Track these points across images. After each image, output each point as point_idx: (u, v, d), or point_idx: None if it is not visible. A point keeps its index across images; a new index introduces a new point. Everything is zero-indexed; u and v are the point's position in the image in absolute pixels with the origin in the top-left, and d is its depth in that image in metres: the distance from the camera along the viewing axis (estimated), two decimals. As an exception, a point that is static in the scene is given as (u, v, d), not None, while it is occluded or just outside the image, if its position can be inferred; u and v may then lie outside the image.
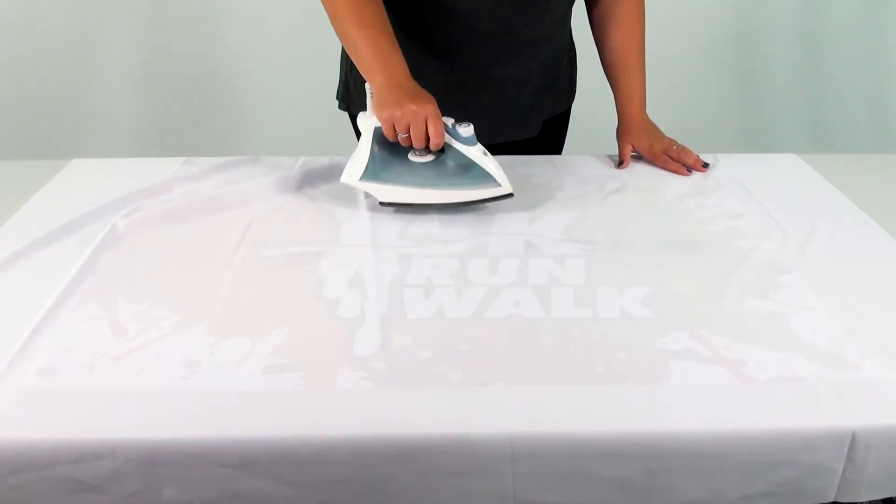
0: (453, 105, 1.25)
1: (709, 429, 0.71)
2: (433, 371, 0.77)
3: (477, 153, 1.04)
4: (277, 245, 1.00)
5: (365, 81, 1.27)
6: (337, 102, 1.37)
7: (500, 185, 1.05)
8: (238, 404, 0.73)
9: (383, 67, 1.03)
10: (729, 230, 1.05)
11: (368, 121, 1.06)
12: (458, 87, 1.24)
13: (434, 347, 0.80)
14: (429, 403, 0.73)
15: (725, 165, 1.26)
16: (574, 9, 1.32)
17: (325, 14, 1.13)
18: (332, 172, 1.21)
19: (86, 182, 1.18)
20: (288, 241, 1.01)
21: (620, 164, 1.26)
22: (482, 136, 1.29)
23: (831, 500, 0.74)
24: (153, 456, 0.69)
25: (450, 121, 1.04)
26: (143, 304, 0.87)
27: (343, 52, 1.34)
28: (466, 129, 1.04)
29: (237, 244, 1.00)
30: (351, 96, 1.33)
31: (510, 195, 1.06)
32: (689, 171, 1.23)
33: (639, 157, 1.29)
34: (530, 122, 1.32)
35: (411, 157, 1.06)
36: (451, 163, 1.05)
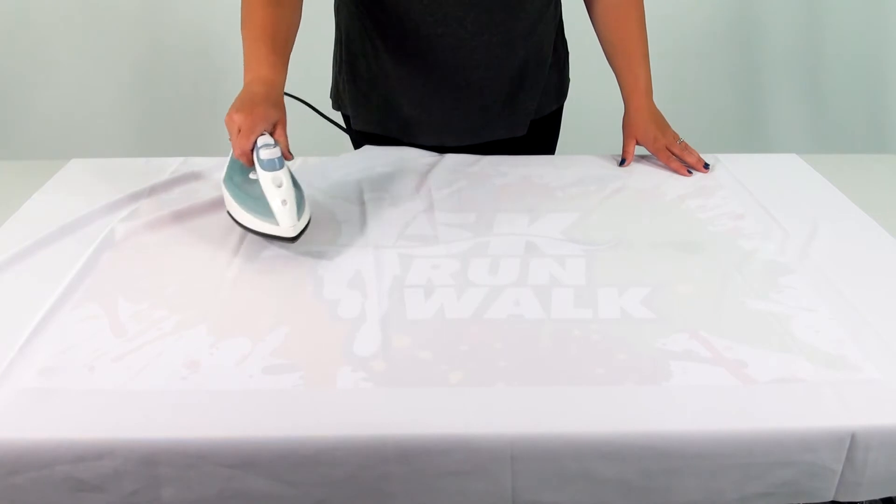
0: (434, 108, 1.25)
1: (709, 429, 0.71)
2: (433, 371, 0.77)
3: (268, 180, 0.93)
4: (278, 245, 1.00)
5: (353, 83, 1.28)
6: (331, 103, 1.37)
7: (277, 223, 0.93)
8: (238, 404, 0.73)
9: (248, 70, 1.01)
10: (730, 230, 1.05)
11: None
12: (437, 91, 1.24)
13: (434, 348, 0.80)
14: (429, 403, 0.73)
15: (726, 165, 1.26)
16: (569, 7, 1.31)
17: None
18: (331, 172, 1.21)
19: (85, 182, 1.18)
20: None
21: (622, 162, 1.26)
22: (466, 136, 1.29)
23: (829, 500, 0.74)
24: (153, 456, 0.69)
25: (265, 140, 0.94)
26: (143, 304, 0.87)
27: (334, 53, 1.34)
28: (268, 152, 0.93)
29: (237, 244, 1.00)
30: (341, 97, 1.33)
31: (290, 239, 0.94)
32: (690, 172, 1.23)
33: (640, 157, 1.28)
34: (516, 122, 1.31)
35: (251, 174, 0.99)
36: (258, 185, 0.95)
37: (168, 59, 2.38)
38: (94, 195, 1.11)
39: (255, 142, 0.94)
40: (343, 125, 1.27)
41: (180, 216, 1.07)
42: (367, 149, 1.30)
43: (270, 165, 0.93)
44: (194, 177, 1.19)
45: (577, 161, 1.29)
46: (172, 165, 1.24)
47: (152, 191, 1.14)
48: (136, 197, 1.12)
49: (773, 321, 0.84)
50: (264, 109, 0.96)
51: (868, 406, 0.72)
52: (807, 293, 0.90)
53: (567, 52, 1.38)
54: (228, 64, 2.37)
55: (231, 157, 1.01)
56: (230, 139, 0.96)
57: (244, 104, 0.96)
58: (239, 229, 1.03)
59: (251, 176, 0.99)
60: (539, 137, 1.36)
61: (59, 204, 1.10)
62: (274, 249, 0.99)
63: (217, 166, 1.22)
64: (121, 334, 0.82)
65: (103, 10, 2.29)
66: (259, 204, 0.95)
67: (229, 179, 1.01)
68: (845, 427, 0.71)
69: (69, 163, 1.26)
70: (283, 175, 0.94)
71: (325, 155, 1.26)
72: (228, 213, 1.00)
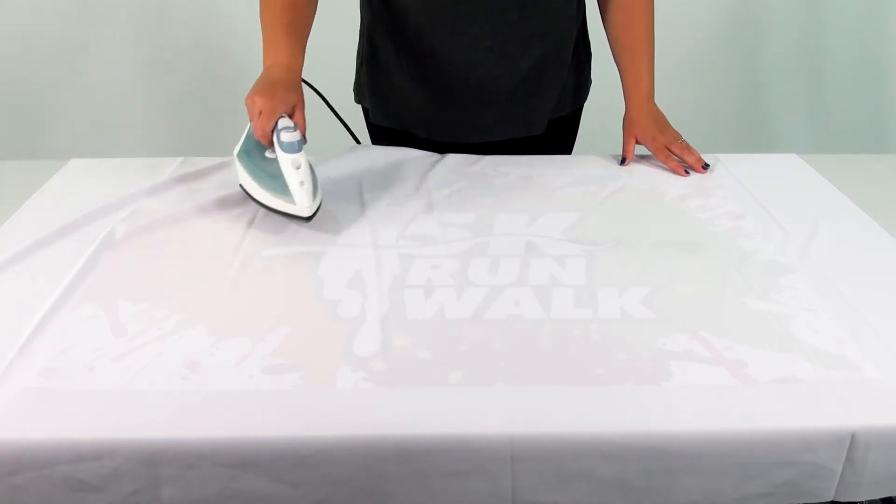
0: (451, 105, 1.25)
1: (709, 429, 0.71)
2: (433, 371, 0.77)
3: (287, 162, 0.98)
4: (277, 245, 1.00)
5: (374, 76, 1.28)
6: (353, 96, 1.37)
7: (294, 203, 0.98)
8: (238, 404, 0.72)
9: (267, 54, 1.06)
10: (730, 230, 1.05)
11: None
12: (452, 89, 1.25)
13: (434, 348, 0.80)
14: (429, 403, 0.73)
15: (726, 165, 1.26)
16: (594, 8, 1.31)
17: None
18: (331, 172, 1.21)
19: (84, 182, 1.18)
20: (288, 241, 1.01)
21: (623, 161, 1.26)
22: (481, 134, 1.29)
23: (829, 500, 0.74)
24: (153, 456, 0.69)
25: (286, 122, 0.99)
26: (143, 304, 0.87)
27: (359, 45, 1.35)
28: (288, 135, 0.98)
29: (237, 244, 1.00)
30: (362, 89, 1.34)
31: (305, 218, 0.99)
32: (687, 172, 1.23)
33: (640, 156, 1.28)
34: (532, 121, 1.31)
35: (267, 152, 1.04)
36: (277, 165, 1.00)
37: (168, 60, 2.38)
38: (94, 195, 1.11)
39: (276, 123, 0.99)
40: (347, 124, 1.27)
41: (180, 216, 1.07)
42: (367, 149, 1.30)
43: (290, 148, 0.98)
44: (194, 177, 1.19)
45: (577, 161, 1.29)
46: (172, 165, 1.24)
47: (152, 191, 1.14)
48: (136, 197, 1.12)
49: (773, 321, 0.84)
50: (284, 93, 1.01)
51: (868, 406, 0.72)
52: (807, 293, 0.90)
53: (589, 54, 1.38)
54: (229, 64, 2.38)
55: (247, 134, 1.06)
56: (250, 119, 1.00)
57: (265, 87, 1.01)
58: (239, 229, 1.03)
59: (268, 154, 1.03)
60: (556, 138, 1.37)
61: (59, 204, 1.10)
62: (274, 249, 0.99)
63: (217, 166, 1.23)
64: (121, 334, 0.82)
65: (103, 11, 2.29)
66: (277, 182, 0.99)
67: (245, 155, 1.05)
68: (845, 427, 0.70)
69: (69, 163, 1.26)
70: (301, 157, 0.99)
71: (326, 154, 1.26)
72: (241, 186, 1.05)
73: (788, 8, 2.39)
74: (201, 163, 1.24)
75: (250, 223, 1.06)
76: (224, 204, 1.11)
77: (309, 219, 0.99)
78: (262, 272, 0.95)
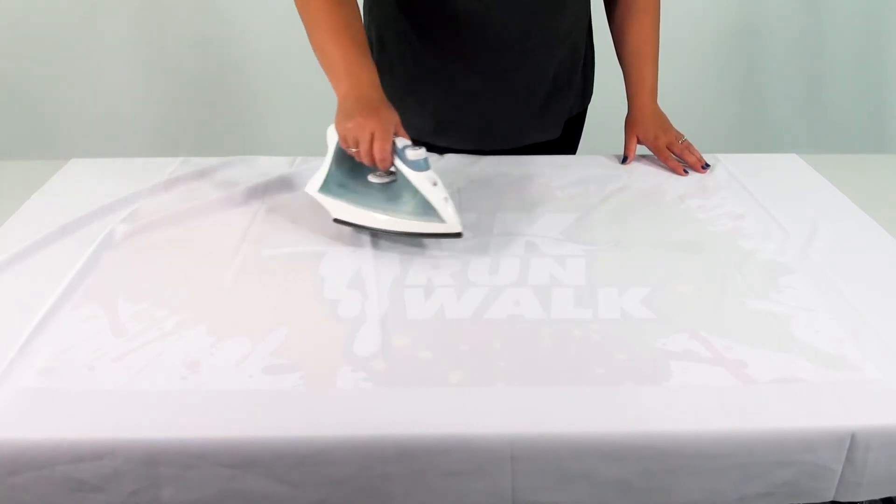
0: (473, 112, 1.25)
1: (709, 429, 0.71)
2: (433, 371, 0.77)
3: (423, 181, 0.93)
4: (277, 245, 1.00)
5: (388, 85, 1.27)
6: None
7: (444, 221, 0.93)
8: (238, 404, 0.73)
9: (349, 76, 0.98)
10: (730, 231, 1.05)
11: (333, 133, 0.98)
12: (477, 94, 1.24)
13: (434, 348, 0.80)
14: (429, 403, 0.73)
15: (726, 165, 1.26)
16: (593, 7, 1.31)
17: None
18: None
19: (84, 182, 1.18)
20: (288, 241, 1.01)
21: (625, 160, 1.27)
22: (504, 140, 1.29)
23: (829, 500, 0.74)
24: (153, 456, 0.69)
25: (403, 141, 0.94)
26: (143, 304, 0.87)
27: None
28: (416, 153, 0.93)
29: (237, 244, 1.00)
30: None
31: (457, 235, 0.94)
32: (687, 172, 1.23)
33: (641, 156, 1.28)
34: (552, 124, 1.32)
35: (371, 177, 0.98)
36: (402, 188, 0.95)
37: (168, 60, 2.38)
38: (94, 195, 1.11)
39: (393, 144, 0.93)
40: None
41: (180, 216, 1.07)
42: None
43: (422, 165, 0.93)
44: (194, 177, 1.19)
45: (577, 161, 1.29)
46: (172, 165, 1.24)
47: (152, 191, 1.14)
48: (136, 197, 1.12)
49: (773, 321, 0.84)
50: (387, 112, 0.95)
51: (868, 406, 0.72)
52: (807, 293, 0.90)
53: (593, 55, 1.38)
54: (229, 64, 2.38)
55: (331, 168, 0.99)
56: (348, 146, 0.94)
57: (365, 109, 0.94)
58: (239, 229, 1.03)
59: (371, 178, 0.98)
60: (563, 140, 1.36)
61: (59, 204, 1.10)
62: (274, 249, 0.99)
63: (217, 166, 1.22)
64: (121, 334, 0.82)
65: (104, 10, 2.29)
66: (409, 205, 0.94)
67: (339, 188, 0.99)
68: (845, 427, 0.71)
69: (69, 163, 1.26)
70: (434, 173, 0.93)
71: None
72: (343, 221, 0.99)
73: (788, 9, 2.39)
74: (201, 163, 1.24)
75: (250, 223, 1.06)
76: (224, 204, 1.11)
77: (460, 235, 0.94)
78: (262, 272, 0.95)
